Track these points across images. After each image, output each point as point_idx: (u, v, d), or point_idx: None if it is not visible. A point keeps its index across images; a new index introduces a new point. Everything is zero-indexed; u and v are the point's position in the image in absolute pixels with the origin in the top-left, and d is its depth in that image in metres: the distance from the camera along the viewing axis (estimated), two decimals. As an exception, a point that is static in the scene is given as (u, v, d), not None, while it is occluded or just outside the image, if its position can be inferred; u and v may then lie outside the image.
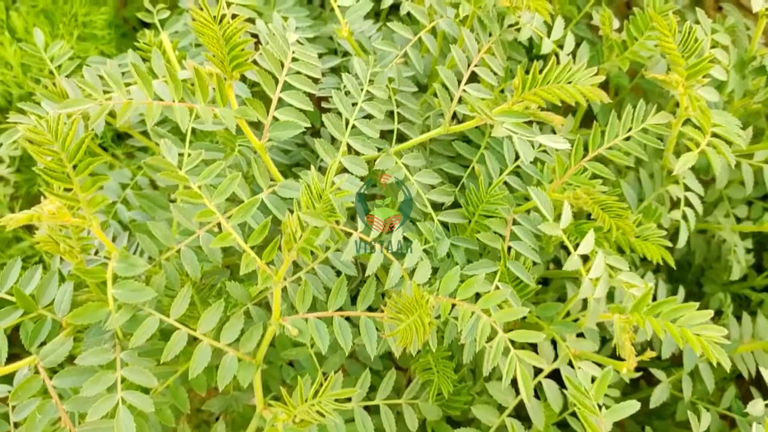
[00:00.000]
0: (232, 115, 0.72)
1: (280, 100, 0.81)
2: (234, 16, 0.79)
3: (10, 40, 1.33)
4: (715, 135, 0.85)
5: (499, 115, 0.80)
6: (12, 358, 0.76)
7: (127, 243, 0.92)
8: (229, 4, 0.99)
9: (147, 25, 1.21)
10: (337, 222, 0.77)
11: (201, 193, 0.72)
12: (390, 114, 0.94)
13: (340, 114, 0.87)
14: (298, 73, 0.83)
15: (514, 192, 0.93)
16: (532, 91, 0.80)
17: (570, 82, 0.80)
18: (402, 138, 0.93)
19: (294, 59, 0.85)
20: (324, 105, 0.95)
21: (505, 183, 0.92)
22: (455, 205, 0.92)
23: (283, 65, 0.83)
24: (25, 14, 1.35)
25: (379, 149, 0.89)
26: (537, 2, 0.85)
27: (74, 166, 0.73)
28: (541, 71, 0.80)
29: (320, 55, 1.12)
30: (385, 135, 0.92)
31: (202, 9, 0.73)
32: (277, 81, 0.81)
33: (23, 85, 1.25)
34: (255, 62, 0.80)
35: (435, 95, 0.96)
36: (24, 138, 0.71)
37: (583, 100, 0.79)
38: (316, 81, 0.86)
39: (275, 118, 0.80)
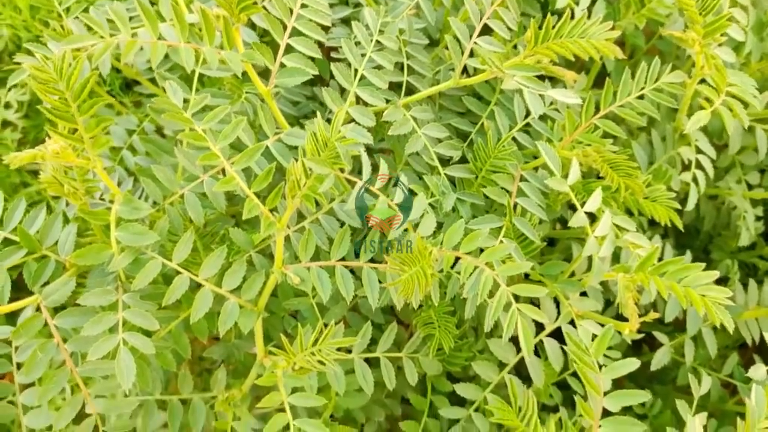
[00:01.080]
0: (238, 59, 0.71)
1: (288, 46, 0.79)
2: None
3: (20, -17, 1.32)
4: (730, 95, 0.83)
5: (511, 68, 0.79)
6: (14, 301, 0.76)
7: (131, 188, 0.91)
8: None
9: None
10: (342, 170, 0.76)
11: (205, 136, 0.71)
12: (400, 66, 0.92)
13: (349, 64, 0.85)
14: (308, 20, 0.82)
15: (523, 149, 0.92)
16: (545, 45, 0.79)
17: (584, 37, 0.79)
18: (411, 91, 0.91)
19: (303, 5, 0.83)
20: (333, 56, 0.94)
21: (515, 140, 0.91)
22: (463, 160, 0.91)
23: (292, 12, 0.82)
24: (36, -41, 1.33)
25: (388, 101, 0.87)
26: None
27: (78, 106, 0.72)
28: (554, 26, 0.78)
29: (331, 6, 1.11)
30: (394, 88, 0.91)
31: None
32: (285, 27, 0.80)
33: (31, 28, 1.24)
34: (264, 8, 0.79)
35: (446, 48, 0.95)
36: (30, 76, 0.70)
37: (596, 55, 0.78)
38: (326, 30, 0.85)
39: (282, 65, 0.78)
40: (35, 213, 0.79)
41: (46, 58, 0.70)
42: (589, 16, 0.95)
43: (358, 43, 0.87)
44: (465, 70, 0.86)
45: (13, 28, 1.28)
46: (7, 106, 1.34)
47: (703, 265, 0.74)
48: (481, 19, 0.87)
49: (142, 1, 0.70)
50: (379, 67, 0.87)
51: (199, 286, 0.76)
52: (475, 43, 0.85)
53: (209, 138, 0.72)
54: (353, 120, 0.83)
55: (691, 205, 0.93)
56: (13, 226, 0.78)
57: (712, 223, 1.13)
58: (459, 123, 0.94)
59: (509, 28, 0.89)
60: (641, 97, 0.86)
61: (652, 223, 0.99)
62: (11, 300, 0.75)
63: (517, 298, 0.73)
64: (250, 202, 0.71)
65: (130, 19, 0.90)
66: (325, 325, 0.74)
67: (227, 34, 0.72)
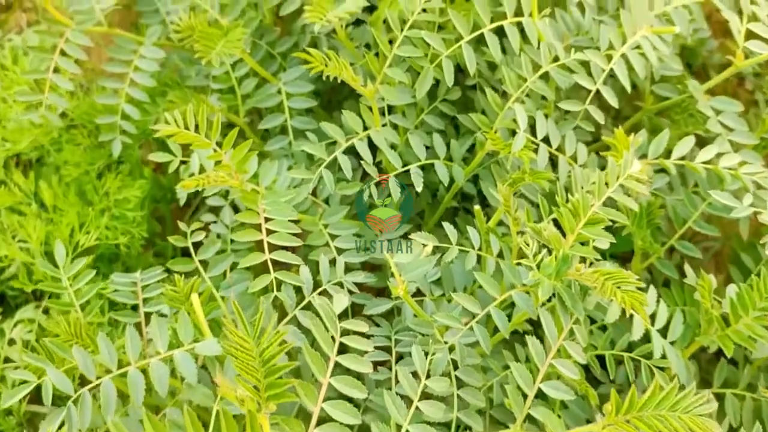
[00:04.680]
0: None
1: (321, 413, 0.67)
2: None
3: (36, 212, 1.24)
4: None
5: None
6: None
7: None
8: (270, 232, 0.88)
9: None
10: None
11: None
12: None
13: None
14: (346, 371, 0.70)
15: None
16: (626, 417, 0.66)
17: (675, 410, 0.66)
18: (461, 424, 0.79)
19: (341, 349, 0.72)
20: (373, 377, 0.82)
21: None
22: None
23: (327, 361, 0.70)
24: (55, 185, 1.26)
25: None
26: (632, 296, 0.72)
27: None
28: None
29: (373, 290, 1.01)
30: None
31: (236, 323, 0.61)
32: (320, 386, 0.68)
33: (46, 276, 1.14)
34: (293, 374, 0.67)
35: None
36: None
37: (690, 438, 0.65)
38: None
39: (315, 436, 0.66)
40: None
41: None
42: (665, 335, 0.83)
43: (403, 397, 0.75)
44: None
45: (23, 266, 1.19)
46: (11, 342, 1.23)
47: None
48: (546, 357, 0.75)
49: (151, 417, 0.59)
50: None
51: None
52: (539, 389, 0.74)
53: None
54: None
55: None
56: None
57: None
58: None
59: (576, 363, 0.77)
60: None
61: None
62: None
63: None
64: None
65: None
66: None
67: (251, 424, 0.60)
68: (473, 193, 1.12)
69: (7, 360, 1.23)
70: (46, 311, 1.22)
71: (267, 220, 0.87)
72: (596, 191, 0.78)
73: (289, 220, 0.87)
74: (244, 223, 0.89)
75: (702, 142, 1.04)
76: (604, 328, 0.95)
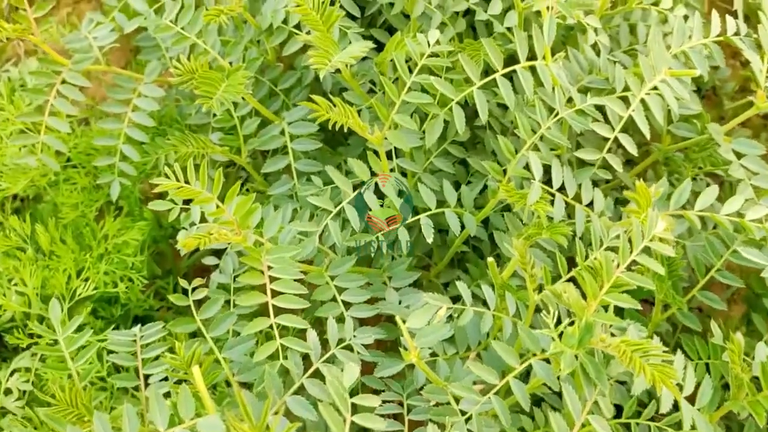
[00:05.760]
0: None
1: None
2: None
3: (32, 257, 1.20)
4: None
5: None
6: None
7: None
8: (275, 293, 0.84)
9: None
10: None
11: None
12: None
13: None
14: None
15: None
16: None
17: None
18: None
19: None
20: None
21: None
22: None
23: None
24: (51, 228, 1.22)
25: None
26: (660, 371, 0.67)
27: None
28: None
29: (379, 346, 0.98)
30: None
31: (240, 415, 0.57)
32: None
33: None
34: None
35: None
36: None
37: None
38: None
39: None
40: None
41: None
42: (693, 401, 0.79)
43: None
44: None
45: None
46: (7, 392, 1.19)
47: None
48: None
49: None
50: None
51: None
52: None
53: None
54: None
55: None
56: None
57: None
58: None
59: (601, 437, 0.73)
60: None
61: None
62: None
63: None
64: None
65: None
66: None
67: None
68: (484, 237, 1.08)
69: (2, 410, 1.20)
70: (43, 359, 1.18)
71: (272, 279, 0.83)
72: (620, 255, 0.74)
73: (295, 280, 0.83)
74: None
75: (720, 180, 1.01)
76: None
